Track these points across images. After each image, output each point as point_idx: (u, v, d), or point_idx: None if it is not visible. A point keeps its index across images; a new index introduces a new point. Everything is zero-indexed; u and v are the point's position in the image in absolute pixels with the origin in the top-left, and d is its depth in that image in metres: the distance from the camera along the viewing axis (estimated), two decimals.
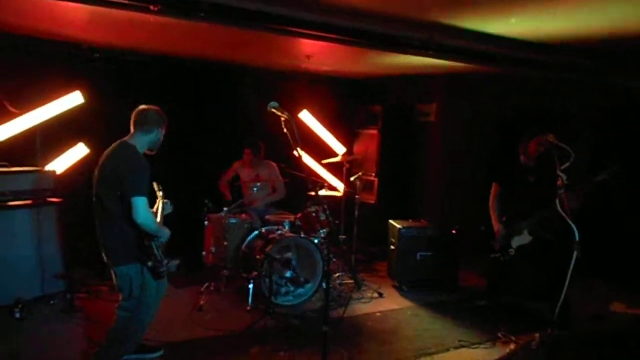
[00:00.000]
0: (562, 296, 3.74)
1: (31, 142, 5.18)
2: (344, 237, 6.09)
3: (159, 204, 3.63)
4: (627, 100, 5.81)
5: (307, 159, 6.72)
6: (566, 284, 3.69)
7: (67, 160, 5.32)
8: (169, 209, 3.71)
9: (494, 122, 6.67)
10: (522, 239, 4.64)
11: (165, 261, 3.36)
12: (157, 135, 3.40)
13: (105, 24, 4.39)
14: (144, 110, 3.38)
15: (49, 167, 5.10)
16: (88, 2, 3.37)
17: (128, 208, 3.11)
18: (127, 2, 3.35)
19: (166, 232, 3.41)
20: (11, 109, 4.94)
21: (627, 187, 4.53)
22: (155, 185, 3.70)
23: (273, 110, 3.07)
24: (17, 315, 4.28)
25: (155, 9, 3.38)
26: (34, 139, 5.19)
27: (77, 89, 5.21)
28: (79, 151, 5.38)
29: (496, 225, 4.76)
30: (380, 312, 4.92)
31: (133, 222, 3.12)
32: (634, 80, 5.42)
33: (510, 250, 4.65)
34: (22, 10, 4.02)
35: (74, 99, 5.19)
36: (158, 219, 3.51)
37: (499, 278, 5.01)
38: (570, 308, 4.28)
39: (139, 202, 3.10)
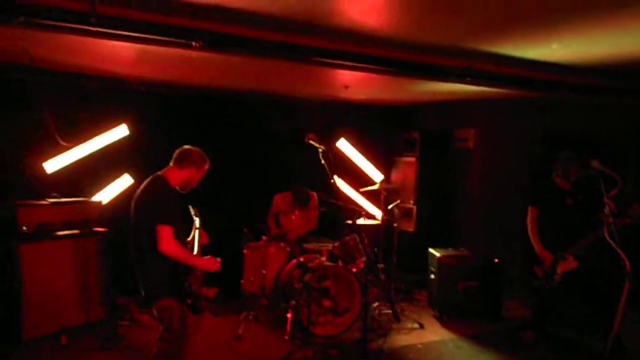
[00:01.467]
0: (615, 329, 3.58)
1: (80, 173, 5.38)
2: (382, 266, 6.03)
3: (195, 232, 3.68)
4: None
5: (345, 187, 6.72)
6: (618, 315, 3.54)
7: (112, 190, 5.50)
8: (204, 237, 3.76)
9: (533, 147, 6.54)
10: (567, 265, 4.44)
11: (203, 295, 3.38)
12: (190, 173, 3.47)
13: (151, 60, 4.57)
14: (185, 148, 3.53)
15: (95, 197, 5.29)
16: (136, 41, 3.53)
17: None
18: (171, 39, 3.49)
19: (204, 262, 3.42)
20: (62, 142, 5.17)
21: None
22: (191, 210, 3.75)
23: (311, 142, 3.12)
24: (63, 342, 4.40)
25: (197, 45, 3.51)
26: (82, 170, 5.40)
27: (124, 122, 5.42)
28: (124, 182, 5.56)
29: (540, 250, 4.58)
30: (421, 343, 4.80)
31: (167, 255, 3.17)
32: None
33: (556, 275, 4.45)
34: (72, 50, 4.24)
35: (120, 132, 5.41)
36: (195, 249, 3.57)
37: (546, 308, 4.83)
38: (622, 342, 4.08)
39: (162, 231, 3.15)
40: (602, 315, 4.05)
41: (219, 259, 3.49)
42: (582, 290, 4.57)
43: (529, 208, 4.75)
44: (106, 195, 5.44)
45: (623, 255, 3.52)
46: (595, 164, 3.90)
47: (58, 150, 5.12)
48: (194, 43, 3.49)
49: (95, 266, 4.88)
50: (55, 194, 4.94)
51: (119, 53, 4.31)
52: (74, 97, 5.55)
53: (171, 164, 3.48)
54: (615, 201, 3.90)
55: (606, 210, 3.80)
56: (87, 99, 5.60)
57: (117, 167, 5.59)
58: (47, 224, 4.62)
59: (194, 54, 3.91)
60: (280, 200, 6.01)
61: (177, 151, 3.51)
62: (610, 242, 3.69)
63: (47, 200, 4.77)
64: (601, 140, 5.92)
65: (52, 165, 5.04)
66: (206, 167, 3.57)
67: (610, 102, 5.52)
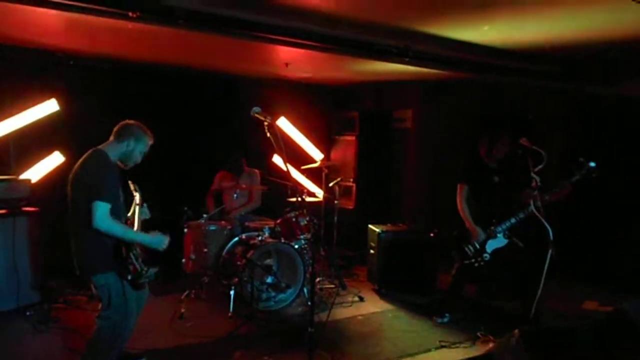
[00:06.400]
0: (538, 294, 3.86)
1: (5, 150, 5.09)
2: (324, 242, 6.13)
3: (135, 208, 3.58)
4: (595, 106, 6.00)
5: (286, 165, 6.73)
6: (542, 282, 3.80)
7: (42, 168, 5.24)
8: (146, 214, 3.67)
9: (468, 126, 6.80)
10: (497, 243, 4.55)
11: (145, 271, 3.31)
12: (129, 146, 3.37)
13: (82, 31, 4.35)
14: (125, 122, 3.42)
15: (23, 176, 5.02)
16: (65, 9, 3.35)
17: None
18: (105, 9, 3.34)
19: (151, 238, 3.34)
20: None
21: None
22: (131, 185, 3.65)
23: (256, 115, 3.11)
24: None
25: (134, 15, 3.38)
26: (7, 147, 5.10)
27: (53, 97, 5.15)
28: (54, 160, 5.30)
29: (470, 226, 4.59)
30: (361, 315, 4.97)
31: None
32: (602, 87, 5.59)
33: (485, 255, 4.54)
34: None
35: (49, 107, 5.13)
36: (135, 225, 3.48)
37: (461, 289, 4.90)
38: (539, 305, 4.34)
39: (97, 207, 3.06)
40: (528, 284, 4.30)
41: (167, 236, 3.39)
42: (509, 264, 4.74)
43: (458, 185, 4.77)
44: (35, 173, 5.17)
45: (547, 225, 3.78)
46: (524, 141, 4.13)
47: None
48: (130, 13, 3.37)
49: (26, 247, 4.66)
50: None
51: (46, 22, 4.08)
52: None
53: (111, 138, 3.38)
54: (540, 176, 4.16)
55: (533, 184, 4.06)
56: (14, 72, 5.27)
57: (47, 144, 5.31)
58: None
59: (130, 25, 3.78)
60: (220, 178, 5.95)
61: (116, 126, 3.40)
62: (536, 213, 3.96)
63: None
64: (530, 121, 6.24)
65: None
66: (149, 141, 3.47)
67: (539, 86, 5.83)
